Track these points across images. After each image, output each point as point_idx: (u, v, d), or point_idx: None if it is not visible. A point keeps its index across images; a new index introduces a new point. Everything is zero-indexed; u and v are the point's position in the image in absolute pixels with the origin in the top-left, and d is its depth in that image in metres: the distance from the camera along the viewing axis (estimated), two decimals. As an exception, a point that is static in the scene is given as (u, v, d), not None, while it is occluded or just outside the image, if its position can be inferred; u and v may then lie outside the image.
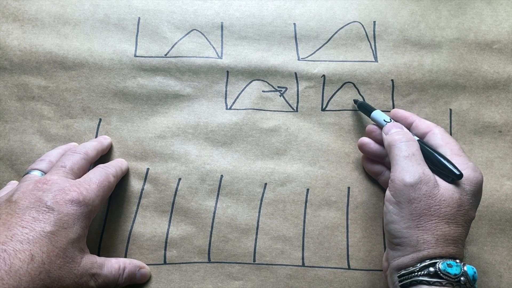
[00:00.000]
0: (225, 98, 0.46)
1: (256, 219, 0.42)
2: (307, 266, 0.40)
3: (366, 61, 0.46)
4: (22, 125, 0.44)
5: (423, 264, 0.32)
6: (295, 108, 0.45)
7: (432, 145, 0.37)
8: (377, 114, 0.41)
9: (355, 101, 0.44)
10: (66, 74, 0.46)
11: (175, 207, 0.42)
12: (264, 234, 0.41)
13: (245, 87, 0.46)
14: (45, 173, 0.38)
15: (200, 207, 0.42)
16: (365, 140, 0.42)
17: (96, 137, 0.44)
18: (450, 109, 0.45)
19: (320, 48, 0.47)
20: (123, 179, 0.42)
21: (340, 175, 0.43)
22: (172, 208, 0.42)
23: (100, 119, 0.45)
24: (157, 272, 0.40)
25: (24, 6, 0.48)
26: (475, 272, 0.32)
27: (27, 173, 0.38)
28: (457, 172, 0.34)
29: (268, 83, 0.46)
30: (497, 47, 0.47)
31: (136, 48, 0.47)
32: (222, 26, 0.48)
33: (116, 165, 0.40)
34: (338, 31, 0.48)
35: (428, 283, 0.31)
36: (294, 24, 0.48)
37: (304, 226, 0.42)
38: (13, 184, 0.40)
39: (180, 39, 0.47)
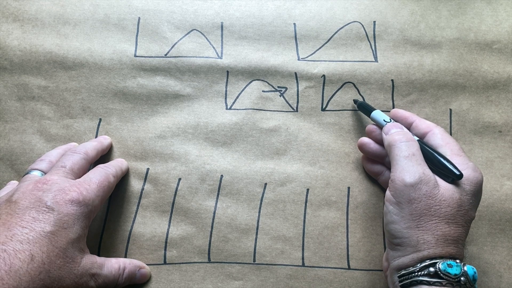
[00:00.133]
0: (225, 98, 0.46)
1: (256, 219, 0.42)
2: (307, 266, 0.40)
3: (366, 61, 0.46)
4: (22, 125, 0.44)
5: (423, 264, 0.32)
6: (295, 108, 0.45)
7: (432, 145, 0.37)
8: (377, 114, 0.41)
9: (355, 101, 0.44)
10: (66, 74, 0.46)
11: (175, 207, 0.42)
12: (264, 234, 0.41)
13: (245, 87, 0.46)
14: (45, 173, 0.38)
15: (200, 207, 0.42)
16: (365, 140, 0.42)
17: (96, 137, 0.44)
18: (450, 109, 0.45)
19: (320, 48, 0.47)
20: (123, 179, 0.42)
21: (340, 175, 0.43)
22: (172, 208, 0.42)
23: (100, 119, 0.45)
24: (157, 272, 0.40)
25: (24, 6, 0.48)
26: (475, 272, 0.32)
27: (27, 173, 0.38)
28: (457, 172, 0.34)
29: (268, 83, 0.46)
30: (497, 47, 0.47)
31: (136, 48, 0.47)
32: (222, 26, 0.48)
33: (116, 165, 0.40)
34: (338, 31, 0.48)
35: (428, 283, 0.31)
36: (294, 24, 0.48)
37: (304, 226, 0.42)
38: (13, 184, 0.40)
39: (180, 39, 0.47)
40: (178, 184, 0.43)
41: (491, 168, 0.43)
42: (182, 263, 0.40)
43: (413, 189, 0.33)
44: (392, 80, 0.46)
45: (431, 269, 0.31)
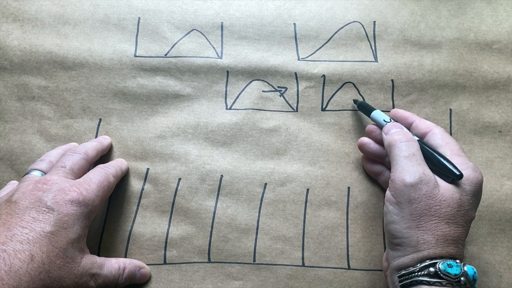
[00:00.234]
0: (225, 98, 0.46)
1: (256, 219, 0.42)
2: (307, 266, 0.40)
3: (366, 61, 0.46)
4: (22, 125, 0.44)
5: (423, 264, 0.32)
6: (295, 108, 0.45)
7: (432, 145, 0.37)
8: (377, 114, 0.41)
9: (355, 101, 0.44)
10: (66, 74, 0.46)
11: (175, 207, 0.42)
12: (264, 234, 0.41)
13: (245, 87, 0.46)
14: (45, 173, 0.38)
15: (200, 207, 0.42)
16: (365, 140, 0.42)
17: (96, 137, 0.44)
18: (450, 109, 0.45)
19: (320, 48, 0.47)
20: (123, 179, 0.42)
21: (340, 175, 0.43)
22: (172, 208, 0.42)
23: (100, 119, 0.45)
24: (157, 272, 0.40)
25: (24, 6, 0.48)
26: (475, 272, 0.32)
27: (27, 173, 0.38)
28: (457, 172, 0.34)
29: (268, 83, 0.46)
30: (497, 47, 0.47)
31: (136, 48, 0.47)
32: (222, 26, 0.48)
33: (116, 165, 0.40)
34: (338, 31, 0.48)
35: (428, 283, 0.31)
36: (294, 24, 0.48)
37: (304, 226, 0.42)
38: (13, 184, 0.40)
39: (180, 39, 0.47)
40: (178, 184, 0.43)
41: (491, 168, 0.43)
42: (182, 263, 0.40)
43: (413, 189, 0.33)
44: (392, 80, 0.46)
45: (431, 269, 0.31)
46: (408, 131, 0.39)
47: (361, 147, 0.42)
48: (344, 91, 0.46)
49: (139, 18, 0.48)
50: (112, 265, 0.36)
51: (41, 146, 0.44)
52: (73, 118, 0.45)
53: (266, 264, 0.40)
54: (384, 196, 0.36)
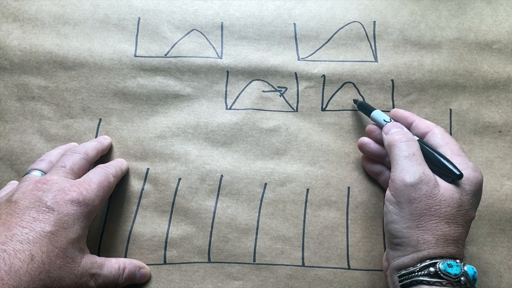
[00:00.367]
0: (225, 98, 0.46)
1: (256, 219, 0.42)
2: (307, 266, 0.40)
3: (366, 61, 0.46)
4: (22, 125, 0.44)
5: (424, 264, 0.32)
6: (295, 108, 0.45)
7: (432, 145, 0.37)
8: (377, 114, 0.41)
9: (355, 101, 0.44)
10: (66, 74, 0.46)
11: (175, 207, 0.42)
12: (264, 234, 0.41)
13: (245, 87, 0.46)
14: (45, 173, 0.38)
15: (200, 207, 0.42)
16: (365, 140, 0.42)
17: (96, 137, 0.44)
18: (450, 109, 0.45)
19: (320, 48, 0.47)
20: (123, 179, 0.42)
21: (340, 175, 0.43)
22: (172, 208, 0.42)
23: (100, 119, 0.45)
24: (157, 272, 0.40)
25: (24, 6, 0.48)
26: (475, 272, 0.32)
27: (27, 173, 0.38)
28: (457, 172, 0.34)
29: (268, 83, 0.46)
30: (497, 47, 0.47)
31: (136, 48, 0.47)
32: (222, 26, 0.48)
33: (116, 165, 0.40)
34: (338, 31, 0.48)
35: (428, 283, 0.31)
36: (294, 24, 0.48)
37: (304, 226, 0.42)
38: (13, 184, 0.40)
39: (180, 39, 0.47)
40: (178, 184, 0.43)
41: (491, 168, 0.43)
42: (182, 263, 0.40)
43: (413, 189, 0.33)
44: (392, 80, 0.46)
45: (431, 269, 0.31)
46: (408, 131, 0.39)
47: (361, 147, 0.42)
48: (344, 91, 0.46)
49: (139, 18, 0.48)
50: (112, 265, 0.36)
51: (41, 146, 0.44)
52: (73, 118, 0.45)
53: (266, 264, 0.40)
54: (384, 196, 0.36)
